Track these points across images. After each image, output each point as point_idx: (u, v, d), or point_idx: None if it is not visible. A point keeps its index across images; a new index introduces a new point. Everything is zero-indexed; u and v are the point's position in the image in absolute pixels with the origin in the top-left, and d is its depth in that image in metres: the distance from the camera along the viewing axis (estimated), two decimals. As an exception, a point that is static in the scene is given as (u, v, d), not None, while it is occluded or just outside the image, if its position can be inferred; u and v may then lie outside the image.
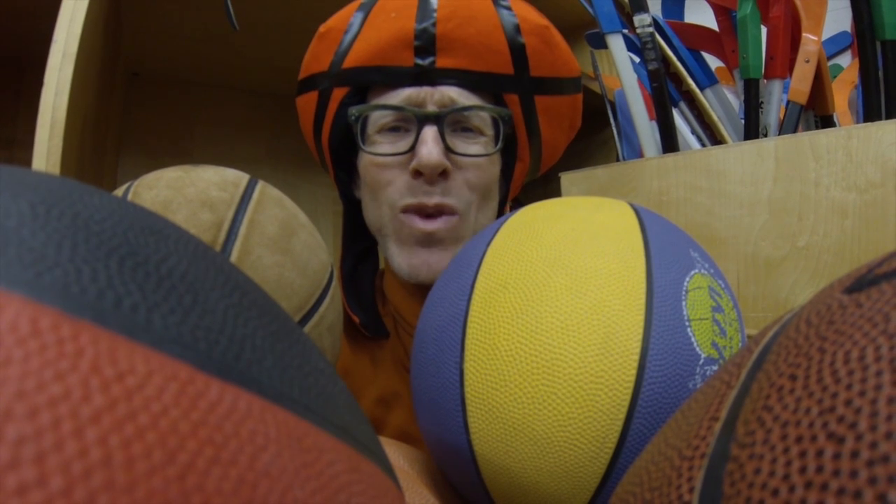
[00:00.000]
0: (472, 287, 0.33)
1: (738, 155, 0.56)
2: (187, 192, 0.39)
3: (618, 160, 0.90)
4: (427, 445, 0.38)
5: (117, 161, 0.99)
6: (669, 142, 0.64)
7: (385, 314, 0.61)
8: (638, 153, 0.77)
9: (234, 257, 0.37)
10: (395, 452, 0.40)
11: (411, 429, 0.56)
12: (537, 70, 0.54)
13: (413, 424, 0.57)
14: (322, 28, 0.56)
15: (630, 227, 0.34)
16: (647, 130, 0.66)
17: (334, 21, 0.56)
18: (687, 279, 0.31)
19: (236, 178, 0.42)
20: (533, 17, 0.54)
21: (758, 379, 0.13)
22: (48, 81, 0.53)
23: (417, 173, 0.52)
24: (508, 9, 0.53)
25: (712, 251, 0.56)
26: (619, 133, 0.89)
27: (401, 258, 0.54)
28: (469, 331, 0.32)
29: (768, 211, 0.54)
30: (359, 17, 0.54)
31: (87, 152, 0.67)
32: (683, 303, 0.30)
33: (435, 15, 0.51)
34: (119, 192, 0.40)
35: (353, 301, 0.58)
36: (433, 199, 0.52)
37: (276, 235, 0.39)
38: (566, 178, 0.64)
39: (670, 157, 0.59)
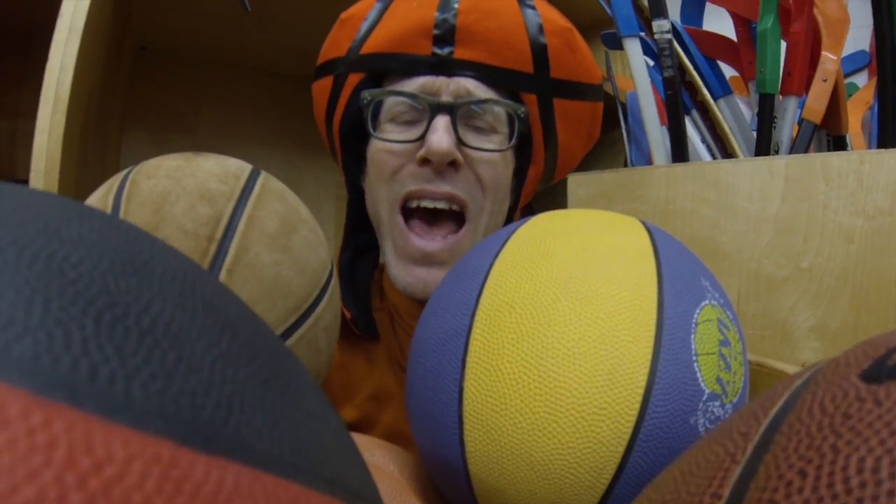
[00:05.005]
0: (477, 302, 0.32)
1: (748, 170, 0.55)
2: (186, 183, 0.38)
3: (625, 162, 0.90)
4: (420, 455, 0.37)
5: (121, 136, 0.98)
6: (680, 150, 0.64)
7: (382, 309, 0.60)
8: (646, 157, 0.76)
9: (231, 254, 0.36)
10: (386, 457, 0.40)
11: (403, 427, 0.56)
12: (558, 72, 0.53)
13: (405, 423, 0.56)
14: (343, 15, 0.56)
15: (643, 250, 0.33)
16: (657, 136, 0.65)
17: (355, 9, 0.56)
18: (697, 311, 0.30)
19: (238, 169, 0.41)
20: (557, 19, 0.53)
21: (765, 462, 0.13)
22: (53, 57, 0.52)
23: (425, 161, 0.50)
24: (533, 8, 0.52)
25: (715, 265, 0.55)
26: (628, 135, 0.88)
27: (396, 270, 0.53)
28: (471, 348, 0.31)
29: (774, 229, 0.54)
30: (379, 6, 0.54)
31: (91, 127, 0.66)
32: (692, 336, 0.30)
33: (457, 6, 0.51)
34: (118, 179, 0.40)
35: (349, 295, 0.58)
36: (440, 188, 0.51)
37: (276, 232, 0.39)
38: (573, 180, 0.64)
39: (679, 167, 0.58)
